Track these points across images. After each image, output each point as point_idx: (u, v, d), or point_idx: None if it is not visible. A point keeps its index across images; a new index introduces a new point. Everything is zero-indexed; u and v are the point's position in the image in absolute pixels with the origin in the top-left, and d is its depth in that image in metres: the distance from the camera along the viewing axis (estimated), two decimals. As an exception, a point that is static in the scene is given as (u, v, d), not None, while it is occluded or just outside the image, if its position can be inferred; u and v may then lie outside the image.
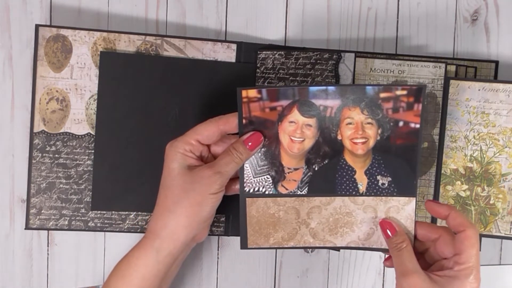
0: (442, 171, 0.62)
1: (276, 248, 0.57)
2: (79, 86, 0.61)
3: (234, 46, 0.62)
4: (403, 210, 0.54)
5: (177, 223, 0.52)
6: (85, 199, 0.61)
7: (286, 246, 0.56)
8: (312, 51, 0.61)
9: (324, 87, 0.52)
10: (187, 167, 0.53)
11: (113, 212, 0.61)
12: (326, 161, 0.54)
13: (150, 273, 0.53)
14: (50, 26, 0.61)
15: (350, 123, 0.53)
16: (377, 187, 0.54)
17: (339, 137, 0.53)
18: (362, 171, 0.54)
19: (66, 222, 0.61)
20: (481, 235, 0.62)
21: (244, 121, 0.53)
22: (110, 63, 0.61)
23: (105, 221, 0.62)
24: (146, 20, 0.64)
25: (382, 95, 0.52)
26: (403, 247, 0.52)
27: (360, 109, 0.53)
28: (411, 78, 0.61)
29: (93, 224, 0.62)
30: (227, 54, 0.62)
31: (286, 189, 0.55)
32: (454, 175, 0.62)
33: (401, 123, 0.53)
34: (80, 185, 0.62)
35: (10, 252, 0.63)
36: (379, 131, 0.53)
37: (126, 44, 0.61)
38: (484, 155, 0.62)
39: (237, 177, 0.55)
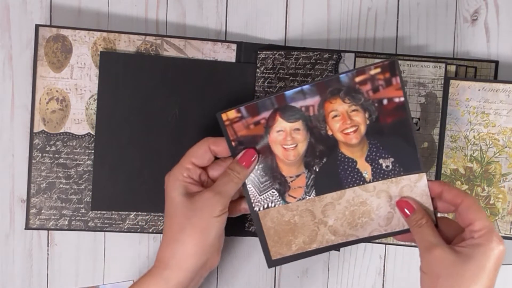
0: (442, 171, 0.62)
1: (302, 257, 0.55)
2: (79, 86, 0.61)
3: (234, 46, 0.62)
4: (416, 187, 0.53)
5: (184, 252, 0.52)
6: (85, 199, 0.61)
7: (310, 249, 0.55)
8: (312, 51, 0.61)
9: (299, 88, 0.52)
10: (188, 194, 0.53)
11: (113, 212, 0.61)
12: (325, 160, 0.54)
13: None
14: (50, 26, 0.61)
15: (336, 116, 0.52)
16: (382, 171, 0.53)
17: (329, 133, 0.53)
18: (363, 159, 0.53)
19: (66, 222, 0.61)
20: (481, 235, 0.62)
21: (233, 143, 0.53)
22: (110, 63, 0.61)
23: (105, 221, 0.62)
24: (146, 20, 0.64)
25: (358, 79, 0.52)
26: (423, 223, 0.51)
27: (341, 99, 0.52)
28: (411, 78, 0.62)
29: (93, 224, 0.62)
30: (227, 54, 0.62)
31: (294, 197, 0.54)
32: (454, 175, 0.62)
33: (385, 101, 0.52)
34: (80, 185, 0.62)
35: (10, 252, 0.63)
36: (367, 115, 0.52)
37: (126, 44, 0.61)
38: (484, 155, 0.62)
39: (240, 197, 0.55)
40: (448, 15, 0.65)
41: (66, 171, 0.61)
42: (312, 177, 0.54)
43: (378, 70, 0.51)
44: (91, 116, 0.62)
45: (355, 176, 0.54)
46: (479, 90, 0.61)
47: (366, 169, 0.53)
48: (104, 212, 0.62)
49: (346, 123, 0.52)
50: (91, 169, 0.61)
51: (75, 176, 0.61)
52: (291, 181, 0.54)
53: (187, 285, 0.53)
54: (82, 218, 0.62)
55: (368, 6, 0.65)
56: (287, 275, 0.64)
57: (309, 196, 0.54)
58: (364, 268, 0.64)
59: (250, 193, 0.54)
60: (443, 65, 0.61)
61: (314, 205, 0.54)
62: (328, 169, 0.54)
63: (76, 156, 0.61)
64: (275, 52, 0.62)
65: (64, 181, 0.61)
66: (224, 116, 0.53)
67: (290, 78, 0.61)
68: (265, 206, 0.54)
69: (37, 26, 0.61)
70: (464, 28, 0.65)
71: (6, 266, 0.63)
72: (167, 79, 0.61)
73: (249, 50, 0.62)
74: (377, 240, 0.63)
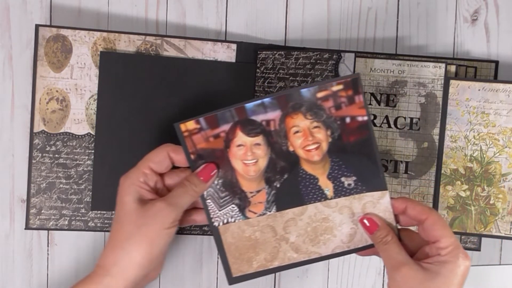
0: (442, 171, 0.62)
1: (263, 274, 0.54)
2: (79, 86, 0.61)
3: (234, 46, 0.62)
4: (379, 203, 0.52)
5: (129, 261, 0.50)
6: (85, 199, 0.61)
7: (271, 267, 0.54)
8: (312, 51, 0.61)
9: (259, 101, 0.50)
10: (141, 201, 0.51)
11: (113, 212, 0.61)
12: (286, 176, 0.52)
13: None
14: (50, 26, 0.61)
15: (297, 132, 0.51)
16: (344, 189, 0.52)
17: (291, 149, 0.51)
18: (325, 177, 0.52)
19: (66, 222, 0.61)
20: (481, 235, 0.62)
21: (192, 156, 0.52)
22: (110, 63, 0.61)
23: (105, 221, 0.62)
24: (146, 20, 0.64)
25: (319, 94, 0.50)
26: (389, 240, 0.51)
27: (303, 114, 0.50)
28: (411, 78, 0.62)
29: (93, 224, 0.62)
30: (227, 54, 0.62)
31: (254, 213, 0.53)
32: (454, 175, 0.62)
33: (348, 119, 0.51)
34: (80, 185, 0.62)
35: (10, 252, 0.63)
36: (329, 133, 0.51)
37: (126, 44, 0.61)
38: (484, 155, 0.62)
39: (193, 208, 0.54)
40: (448, 15, 0.65)
41: (66, 171, 0.61)
42: (273, 192, 0.53)
43: (341, 86, 0.50)
44: (91, 116, 0.62)
45: (317, 193, 0.53)
46: (479, 90, 0.61)
47: (328, 187, 0.52)
48: (104, 212, 0.62)
49: (308, 139, 0.51)
50: (91, 169, 0.61)
51: (75, 176, 0.61)
52: (252, 197, 0.53)
53: None
54: (82, 218, 0.62)
55: (368, 6, 0.65)
56: (287, 275, 0.64)
57: (270, 211, 0.53)
58: (364, 268, 0.64)
59: (209, 207, 0.53)
60: (443, 65, 0.61)
61: (276, 220, 0.53)
62: (289, 185, 0.52)
63: (76, 156, 0.61)
64: (275, 52, 0.62)
65: (64, 181, 0.61)
66: (183, 127, 0.51)
67: (290, 78, 0.61)
68: (225, 221, 0.53)
69: (37, 26, 0.61)
70: (464, 28, 0.65)
71: (6, 266, 0.63)
72: (167, 79, 0.61)
73: (249, 50, 0.62)
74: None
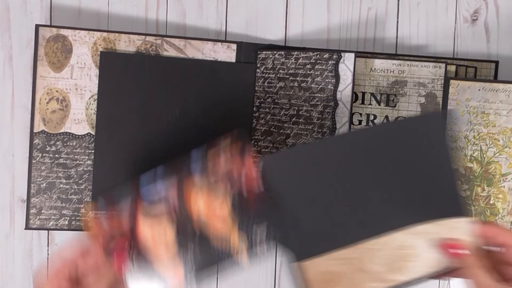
0: (442, 171, 0.62)
1: None
2: (79, 86, 0.61)
3: (234, 46, 0.62)
4: (459, 228, 0.50)
5: None
6: (85, 199, 0.61)
7: None
8: (312, 51, 0.61)
9: (152, 185, 0.48)
10: None
11: (113, 212, 0.61)
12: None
13: None
14: (50, 26, 0.61)
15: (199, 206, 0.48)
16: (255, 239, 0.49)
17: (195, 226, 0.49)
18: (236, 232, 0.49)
19: (66, 222, 0.61)
20: (481, 235, 0.62)
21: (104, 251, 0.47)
22: (110, 63, 0.61)
23: (105, 221, 0.62)
24: (146, 20, 0.64)
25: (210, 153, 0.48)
26: (477, 265, 0.49)
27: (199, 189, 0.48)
28: (411, 78, 0.61)
29: (93, 224, 0.62)
30: (227, 54, 0.62)
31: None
32: (454, 175, 0.62)
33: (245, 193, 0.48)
34: (80, 185, 0.62)
35: (10, 252, 0.63)
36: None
37: (126, 44, 0.61)
38: (484, 155, 0.62)
39: None
40: (448, 15, 0.65)
41: (66, 171, 0.61)
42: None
43: (228, 141, 0.48)
44: (91, 116, 0.62)
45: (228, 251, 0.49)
46: (479, 90, 0.61)
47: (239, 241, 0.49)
48: (104, 212, 0.61)
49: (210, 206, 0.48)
50: (91, 169, 0.61)
51: (75, 176, 0.61)
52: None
53: None
54: (82, 218, 0.62)
55: (368, 6, 0.65)
56: (287, 275, 0.64)
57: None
58: (364, 268, 0.64)
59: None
60: (443, 65, 0.61)
61: (366, 250, 0.51)
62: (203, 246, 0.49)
63: (76, 156, 0.61)
64: (275, 52, 0.62)
65: (64, 181, 0.61)
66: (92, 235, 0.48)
67: (290, 78, 0.61)
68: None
69: (37, 26, 0.61)
70: (464, 28, 0.65)
71: (6, 266, 0.63)
72: (167, 79, 0.61)
73: (249, 50, 0.62)
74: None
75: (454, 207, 0.51)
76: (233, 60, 0.62)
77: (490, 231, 0.51)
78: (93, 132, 0.61)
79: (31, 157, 0.61)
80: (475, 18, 0.65)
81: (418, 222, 0.51)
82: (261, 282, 0.64)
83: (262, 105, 0.62)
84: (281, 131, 0.62)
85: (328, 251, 0.51)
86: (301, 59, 0.61)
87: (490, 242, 0.51)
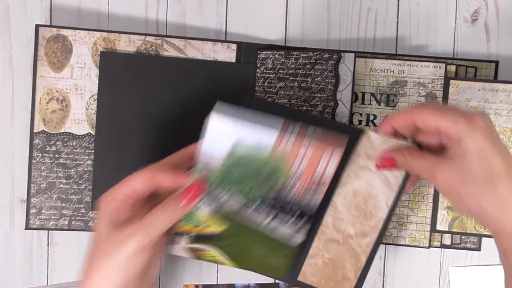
0: (442, 171, 0.62)
1: (364, 275, 0.54)
2: (79, 86, 0.61)
3: (234, 46, 0.62)
4: (374, 143, 0.51)
5: None
6: (85, 199, 0.61)
7: (363, 265, 0.54)
8: (312, 51, 0.61)
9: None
10: (116, 224, 0.48)
11: (113, 212, 0.61)
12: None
13: None
14: (50, 26, 0.61)
15: None
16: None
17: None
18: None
19: (66, 222, 0.61)
20: (481, 235, 0.62)
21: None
22: (110, 63, 0.61)
23: (105, 221, 0.62)
24: (146, 20, 0.64)
25: None
26: (411, 159, 0.49)
27: None
28: (411, 78, 0.61)
29: (93, 224, 0.62)
30: (227, 54, 0.62)
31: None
32: (454, 175, 0.62)
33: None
34: (80, 185, 0.62)
35: (10, 252, 0.63)
36: None
37: (126, 44, 0.61)
38: (484, 155, 0.62)
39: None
40: (448, 15, 0.65)
41: (66, 171, 0.61)
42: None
43: None
44: (91, 116, 0.62)
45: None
46: (479, 90, 0.61)
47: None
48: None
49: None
50: (91, 169, 0.61)
51: (75, 176, 0.61)
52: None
53: None
54: (82, 218, 0.62)
55: (368, 6, 0.65)
56: (287, 275, 0.64)
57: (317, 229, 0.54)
58: (364, 268, 0.64)
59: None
60: (443, 65, 0.61)
61: (325, 232, 0.53)
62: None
63: (76, 156, 0.61)
64: (275, 52, 0.62)
65: (64, 181, 0.61)
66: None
67: (290, 78, 0.61)
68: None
69: (37, 26, 0.61)
70: (464, 28, 0.65)
71: (6, 266, 0.63)
72: (167, 79, 0.61)
73: (249, 50, 0.62)
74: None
75: (351, 132, 0.52)
76: (233, 60, 0.62)
77: (389, 129, 0.51)
78: (93, 132, 0.61)
79: (31, 157, 0.61)
80: (475, 18, 0.65)
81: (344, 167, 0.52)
82: (261, 282, 0.64)
83: (262, 105, 0.62)
84: (281, 131, 0.62)
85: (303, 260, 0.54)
86: (301, 59, 0.61)
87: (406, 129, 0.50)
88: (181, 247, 0.53)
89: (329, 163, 0.49)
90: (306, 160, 0.49)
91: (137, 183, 0.49)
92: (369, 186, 0.53)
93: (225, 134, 0.48)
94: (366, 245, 0.54)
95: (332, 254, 0.54)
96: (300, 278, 0.55)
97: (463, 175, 0.45)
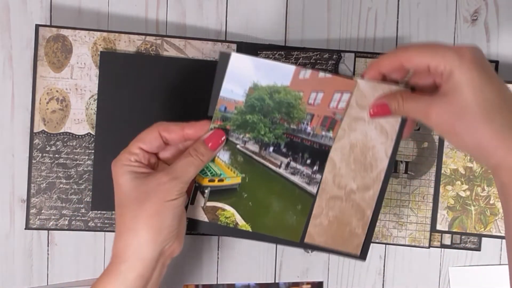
0: (442, 171, 0.62)
1: (372, 228, 0.52)
2: (79, 86, 0.61)
3: (234, 46, 0.62)
4: (362, 90, 0.50)
5: (139, 240, 0.47)
6: (85, 199, 0.61)
7: (370, 218, 0.52)
8: (312, 51, 0.61)
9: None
10: (138, 178, 0.48)
11: (113, 212, 0.61)
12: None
13: None
14: (50, 26, 0.61)
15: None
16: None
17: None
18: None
19: (66, 222, 0.61)
20: (481, 235, 0.62)
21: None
22: (110, 63, 0.61)
23: (105, 221, 0.62)
24: (146, 20, 0.64)
25: None
26: (403, 102, 0.47)
27: None
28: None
29: (93, 224, 0.62)
30: (227, 54, 0.62)
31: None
32: (454, 175, 0.62)
33: None
34: (80, 185, 0.62)
35: (10, 252, 0.63)
36: None
37: (126, 44, 0.61)
38: (484, 155, 0.62)
39: None
40: (448, 15, 0.65)
41: (66, 171, 0.61)
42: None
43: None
44: (91, 116, 0.62)
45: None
46: (479, 90, 0.61)
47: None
48: (104, 212, 0.62)
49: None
50: (91, 169, 0.61)
51: (75, 176, 0.61)
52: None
53: (149, 276, 0.48)
54: (82, 218, 0.62)
55: (368, 6, 0.65)
56: (287, 276, 0.64)
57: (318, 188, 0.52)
58: (364, 268, 0.64)
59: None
60: (443, 65, 0.61)
61: (327, 189, 0.52)
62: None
63: (76, 156, 0.61)
64: (275, 52, 0.62)
65: (64, 181, 0.61)
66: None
67: (290, 78, 0.61)
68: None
69: (37, 26, 0.61)
70: (464, 28, 0.65)
71: (6, 266, 0.63)
72: (167, 79, 0.61)
73: (249, 50, 0.62)
74: (376, 240, 0.63)
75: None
76: (233, 60, 0.62)
77: (376, 75, 0.49)
78: (93, 132, 0.61)
79: (31, 157, 0.61)
80: (475, 18, 0.65)
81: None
82: (261, 282, 0.64)
83: (262, 105, 0.62)
84: (281, 131, 0.62)
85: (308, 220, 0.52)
86: (301, 59, 0.61)
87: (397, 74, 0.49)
88: (199, 208, 0.52)
89: (341, 99, 0.50)
90: (320, 96, 0.50)
91: (148, 134, 0.50)
92: (365, 137, 0.51)
93: (245, 72, 0.50)
94: (370, 198, 0.52)
95: (336, 211, 0.52)
96: (307, 240, 0.52)
97: (457, 110, 0.43)
